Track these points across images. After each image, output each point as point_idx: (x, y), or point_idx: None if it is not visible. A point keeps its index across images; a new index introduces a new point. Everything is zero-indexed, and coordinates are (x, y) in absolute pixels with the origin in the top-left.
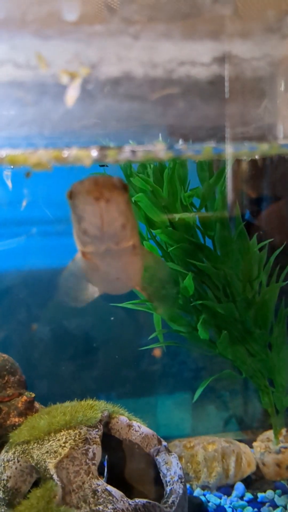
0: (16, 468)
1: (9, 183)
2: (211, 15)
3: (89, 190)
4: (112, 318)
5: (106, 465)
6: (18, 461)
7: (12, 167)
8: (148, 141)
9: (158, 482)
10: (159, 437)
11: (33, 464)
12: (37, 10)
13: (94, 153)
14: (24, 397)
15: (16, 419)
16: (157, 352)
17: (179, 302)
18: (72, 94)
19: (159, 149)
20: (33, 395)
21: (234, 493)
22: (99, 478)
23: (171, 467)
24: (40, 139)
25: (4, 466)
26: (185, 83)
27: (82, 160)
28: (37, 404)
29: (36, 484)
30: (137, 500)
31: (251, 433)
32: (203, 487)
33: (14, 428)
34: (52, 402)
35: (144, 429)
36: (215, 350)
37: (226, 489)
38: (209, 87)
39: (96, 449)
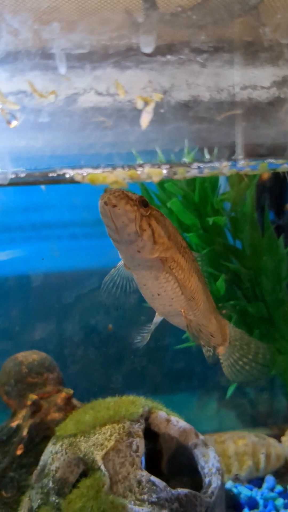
0: (64, 460)
1: None
2: (270, 44)
3: (102, 196)
4: (142, 317)
5: (144, 458)
6: (66, 453)
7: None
8: (213, 159)
9: (196, 474)
10: (196, 431)
11: (80, 456)
12: (117, 44)
13: (164, 170)
14: (64, 394)
15: (56, 415)
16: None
17: None
18: (146, 118)
19: (223, 166)
20: (72, 391)
21: (264, 485)
22: (143, 469)
23: (208, 460)
24: (118, 159)
25: (52, 458)
26: (247, 104)
27: (153, 178)
28: (74, 401)
29: (81, 476)
30: (179, 490)
31: (277, 429)
32: (234, 480)
33: (54, 423)
34: (87, 399)
35: (182, 423)
36: None
37: (256, 481)
38: (269, 107)
39: (139, 442)
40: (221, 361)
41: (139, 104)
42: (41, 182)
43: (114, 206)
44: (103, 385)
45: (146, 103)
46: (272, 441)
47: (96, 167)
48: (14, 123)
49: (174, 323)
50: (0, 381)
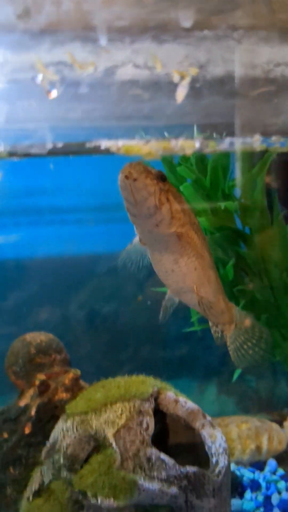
0: (75, 437)
1: None
2: None
3: (122, 170)
4: (149, 302)
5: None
6: (77, 430)
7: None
8: (243, 134)
9: (203, 454)
10: (203, 412)
11: (92, 433)
12: (156, 18)
13: (197, 143)
14: (71, 374)
15: (64, 395)
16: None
17: None
18: (182, 91)
19: (255, 141)
20: (79, 372)
21: (266, 468)
22: (153, 447)
23: (215, 440)
24: (154, 131)
25: (63, 435)
26: (280, 82)
27: (186, 150)
28: (81, 382)
29: (91, 453)
30: (188, 467)
31: (277, 415)
32: (237, 463)
33: (61, 403)
34: (93, 381)
35: (190, 404)
36: None
37: (258, 465)
38: None
39: (149, 420)
40: (227, 344)
41: (176, 78)
42: (78, 152)
43: (135, 179)
44: (108, 367)
45: (182, 77)
46: (275, 425)
47: (132, 138)
48: (53, 94)
49: (185, 301)
50: (8, 361)
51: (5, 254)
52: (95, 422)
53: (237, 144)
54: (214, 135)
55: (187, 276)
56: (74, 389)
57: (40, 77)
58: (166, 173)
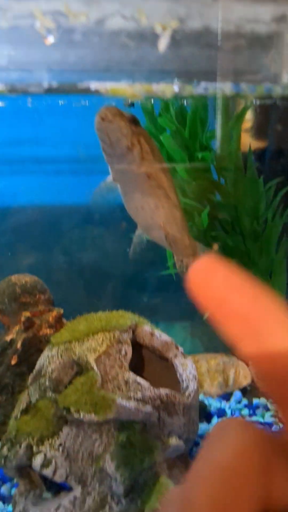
0: (59, 363)
1: None
2: None
3: (98, 113)
4: (128, 250)
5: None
6: (61, 356)
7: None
8: (217, 80)
9: (176, 381)
10: (176, 344)
11: (75, 359)
12: None
13: (176, 87)
14: (55, 312)
15: (47, 330)
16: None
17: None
18: (163, 42)
19: (226, 87)
20: (62, 310)
21: (232, 398)
22: (130, 372)
23: (186, 368)
24: (139, 76)
25: (48, 361)
26: (249, 36)
27: (165, 93)
28: (64, 320)
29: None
30: (161, 389)
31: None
32: (205, 394)
33: (45, 338)
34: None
35: (164, 336)
36: None
37: (225, 396)
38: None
39: (127, 348)
40: None
41: (158, 29)
42: (70, 91)
43: (110, 121)
44: (86, 307)
45: (164, 29)
46: (241, 362)
47: (118, 81)
48: (50, 40)
49: (153, 237)
50: None
51: None
52: (78, 349)
53: (211, 89)
54: (193, 81)
55: (155, 214)
56: (57, 326)
57: (38, 24)
58: (147, 123)
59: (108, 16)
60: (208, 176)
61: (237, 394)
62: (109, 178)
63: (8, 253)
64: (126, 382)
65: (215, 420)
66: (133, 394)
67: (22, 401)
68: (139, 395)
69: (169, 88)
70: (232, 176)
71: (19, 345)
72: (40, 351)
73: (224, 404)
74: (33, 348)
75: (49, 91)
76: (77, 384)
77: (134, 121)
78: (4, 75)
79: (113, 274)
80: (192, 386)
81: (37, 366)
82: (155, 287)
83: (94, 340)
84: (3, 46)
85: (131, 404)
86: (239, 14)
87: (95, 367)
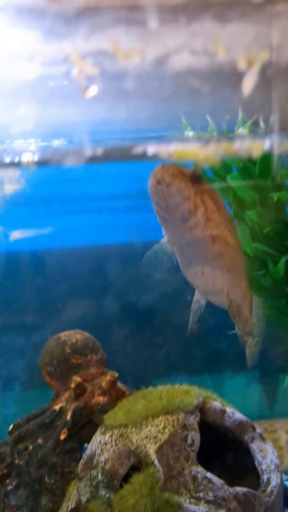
0: (114, 451)
1: None
2: None
3: (153, 174)
4: (189, 298)
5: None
6: (116, 444)
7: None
8: None
9: (253, 470)
10: (253, 423)
11: (132, 448)
12: None
13: (267, 144)
14: (108, 376)
15: (101, 398)
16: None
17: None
18: (249, 81)
19: None
20: (117, 374)
21: None
22: (199, 465)
23: (266, 455)
24: (216, 131)
25: (101, 449)
26: None
27: (253, 152)
28: (119, 384)
29: (131, 469)
30: (237, 488)
31: None
32: (286, 472)
33: (99, 407)
34: (132, 382)
35: (238, 415)
36: None
37: None
38: None
39: (194, 436)
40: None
41: (242, 65)
42: (121, 159)
43: (168, 185)
44: (146, 366)
45: (250, 63)
46: None
47: (186, 141)
48: (91, 91)
49: (214, 302)
50: (43, 361)
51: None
52: (135, 437)
53: None
54: None
55: (217, 279)
56: (112, 392)
57: (75, 70)
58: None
59: (171, 53)
60: (285, 219)
61: None
62: (164, 240)
63: (58, 304)
64: (194, 479)
65: None
66: (203, 495)
67: (72, 497)
68: (210, 495)
69: (258, 145)
70: None
71: (69, 416)
72: (92, 422)
73: None
74: (84, 419)
75: (93, 159)
76: (135, 483)
77: (196, 178)
78: (32, 140)
79: (174, 326)
80: (275, 479)
81: (88, 451)
82: (221, 340)
83: (154, 424)
84: (29, 103)
85: (201, 508)
86: None
87: (156, 462)
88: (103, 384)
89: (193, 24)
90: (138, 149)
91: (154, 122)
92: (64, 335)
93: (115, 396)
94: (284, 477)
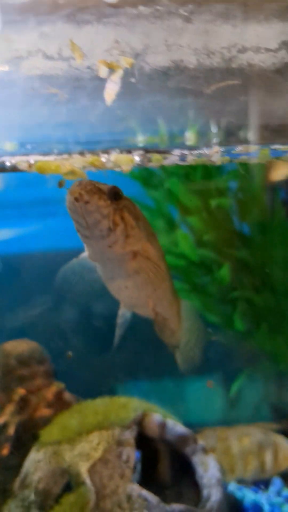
0: (47, 469)
1: None
2: None
3: (70, 191)
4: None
5: (139, 465)
6: (50, 462)
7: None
8: (204, 143)
9: (194, 483)
10: (195, 436)
11: (65, 466)
12: None
13: (137, 158)
14: (54, 388)
15: (46, 411)
16: None
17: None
18: (112, 89)
19: (214, 152)
20: (63, 385)
21: (271, 488)
22: (134, 482)
23: (208, 469)
24: (75, 144)
25: (35, 467)
26: (246, 72)
27: (122, 166)
28: (67, 394)
29: (67, 485)
30: (174, 506)
31: (286, 423)
32: (239, 481)
33: (43, 420)
34: (79, 390)
35: (179, 428)
36: (252, 341)
37: (262, 483)
38: (276, 76)
39: (130, 451)
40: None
41: (103, 71)
42: None
43: (86, 202)
44: (96, 375)
45: (112, 70)
46: (280, 439)
47: (47, 153)
48: None
49: (140, 314)
50: None
51: None
52: (68, 454)
53: (190, 157)
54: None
55: (141, 292)
56: (58, 404)
57: None
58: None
59: (23, 56)
60: (228, 225)
61: (277, 482)
62: (84, 255)
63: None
64: (129, 497)
65: None
66: None
67: None
68: None
69: (127, 159)
70: (256, 223)
71: (11, 430)
72: (36, 436)
73: (261, 496)
74: (28, 433)
75: None
76: (66, 504)
77: (114, 195)
78: None
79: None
80: (216, 494)
81: (23, 469)
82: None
83: (88, 441)
84: None
85: None
86: (233, 39)
87: (87, 481)
88: (49, 395)
89: (44, 25)
90: None
91: (7, 131)
92: (9, 345)
93: (61, 408)
94: (237, 486)
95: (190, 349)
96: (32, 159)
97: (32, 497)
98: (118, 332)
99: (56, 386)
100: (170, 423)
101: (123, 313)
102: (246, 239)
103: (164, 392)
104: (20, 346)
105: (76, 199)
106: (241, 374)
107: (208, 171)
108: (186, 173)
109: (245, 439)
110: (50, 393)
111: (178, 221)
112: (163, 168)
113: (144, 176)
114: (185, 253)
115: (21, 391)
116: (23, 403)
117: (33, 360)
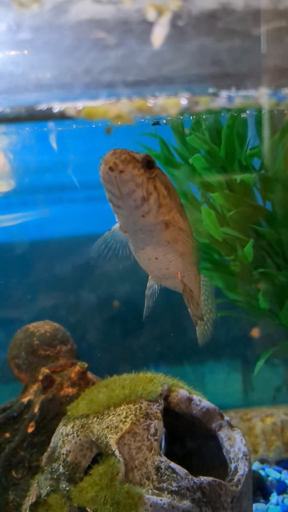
0: (75, 443)
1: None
2: None
3: (105, 161)
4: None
5: (164, 440)
6: (78, 436)
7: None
8: (247, 86)
9: (221, 458)
10: (221, 411)
11: (93, 439)
12: None
13: (184, 101)
14: (77, 367)
15: (70, 390)
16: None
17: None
18: (160, 32)
19: (261, 95)
20: (86, 365)
21: None
22: (162, 455)
23: (234, 443)
24: (123, 88)
25: (63, 440)
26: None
27: (168, 110)
28: (89, 374)
29: (95, 459)
30: (202, 478)
31: None
32: (262, 461)
33: (67, 398)
34: (104, 372)
35: (205, 403)
36: (275, 320)
37: (286, 463)
38: None
39: (157, 425)
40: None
41: (151, 14)
42: (24, 118)
43: (121, 171)
44: (119, 356)
45: (160, 12)
46: None
47: (95, 98)
48: None
49: (168, 286)
50: (11, 353)
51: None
52: (96, 427)
53: (237, 99)
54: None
55: (171, 263)
56: (81, 384)
57: None
58: (178, 144)
59: (73, 1)
60: (251, 202)
61: None
62: (116, 226)
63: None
64: (157, 470)
65: (274, 498)
66: (167, 486)
67: (32, 492)
68: (174, 486)
69: (173, 102)
70: (280, 200)
71: (36, 409)
72: (61, 415)
73: (285, 475)
74: (52, 412)
75: None
76: (95, 474)
77: (148, 164)
78: None
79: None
80: (243, 468)
81: (51, 444)
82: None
83: (116, 414)
84: None
85: (164, 500)
86: None
87: (117, 453)
88: (72, 375)
89: None
90: (42, 106)
91: (56, 77)
92: (32, 326)
93: (84, 387)
94: (260, 465)
95: (207, 323)
96: (80, 105)
97: (61, 469)
98: (147, 303)
99: (79, 366)
100: (196, 398)
101: (151, 285)
102: (269, 216)
103: (186, 374)
104: (43, 327)
105: (111, 168)
106: (264, 354)
107: (232, 146)
108: (209, 149)
109: (268, 419)
110: (73, 372)
111: (201, 199)
112: (185, 143)
113: (165, 155)
114: (208, 231)
115: (44, 371)
116: (47, 382)
117: (56, 341)
